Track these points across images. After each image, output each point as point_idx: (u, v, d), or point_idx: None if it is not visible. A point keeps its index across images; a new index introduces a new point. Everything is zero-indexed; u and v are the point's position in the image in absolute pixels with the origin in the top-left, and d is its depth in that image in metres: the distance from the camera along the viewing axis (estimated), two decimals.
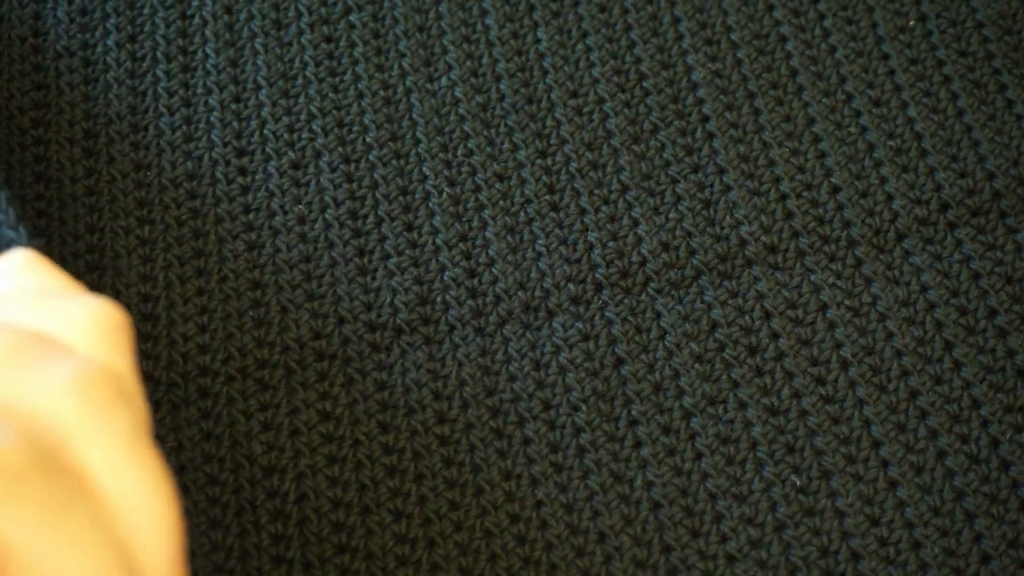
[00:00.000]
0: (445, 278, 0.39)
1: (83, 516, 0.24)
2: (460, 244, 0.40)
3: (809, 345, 0.38)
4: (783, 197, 0.40)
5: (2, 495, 0.23)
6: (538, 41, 0.43)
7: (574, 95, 0.42)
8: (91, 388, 0.25)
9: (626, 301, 0.39)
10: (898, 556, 0.35)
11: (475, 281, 0.39)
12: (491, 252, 0.40)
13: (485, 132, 0.42)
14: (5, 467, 0.23)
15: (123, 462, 0.25)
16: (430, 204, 0.40)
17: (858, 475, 0.36)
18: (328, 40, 0.44)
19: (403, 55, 0.43)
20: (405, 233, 0.40)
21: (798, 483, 0.36)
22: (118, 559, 0.24)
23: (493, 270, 0.39)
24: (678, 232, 0.40)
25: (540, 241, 0.40)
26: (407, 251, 0.40)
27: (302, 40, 0.44)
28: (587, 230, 0.40)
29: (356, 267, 0.39)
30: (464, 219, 0.40)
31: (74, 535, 0.23)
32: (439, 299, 0.39)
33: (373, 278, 0.39)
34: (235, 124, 0.42)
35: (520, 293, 0.39)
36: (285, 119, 0.42)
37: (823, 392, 0.37)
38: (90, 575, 0.23)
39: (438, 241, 0.40)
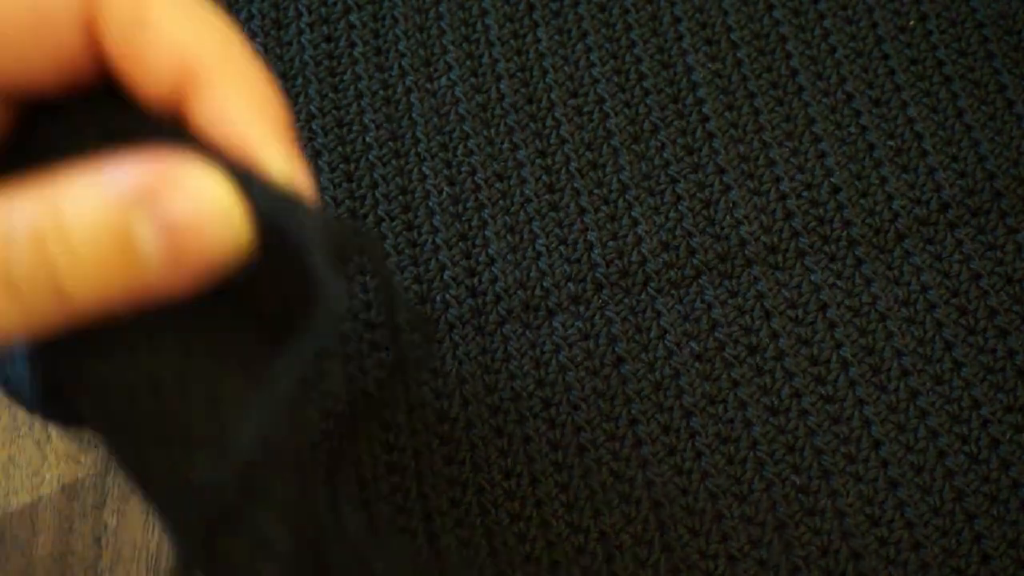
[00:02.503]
0: (445, 277, 0.39)
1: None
2: (460, 243, 0.40)
3: (809, 345, 0.38)
4: (783, 197, 0.40)
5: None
6: (538, 41, 0.43)
7: (574, 95, 0.42)
8: None
9: (626, 300, 0.39)
10: (898, 556, 0.35)
11: (475, 280, 0.39)
12: (491, 251, 0.39)
13: (485, 132, 0.41)
14: None
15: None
16: (430, 203, 0.40)
17: (858, 475, 0.36)
18: (328, 40, 0.44)
19: (403, 55, 0.43)
20: (405, 232, 0.40)
21: (798, 482, 0.36)
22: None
23: (493, 269, 0.39)
24: (678, 232, 0.40)
25: (540, 240, 0.40)
26: (407, 250, 0.40)
27: (302, 40, 0.44)
28: (587, 229, 0.40)
29: (355, 266, 0.39)
30: (464, 218, 0.40)
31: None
32: (439, 298, 0.39)
33: (372, 277, 0.39)
34: None
35: (520, 292, 0.39)
36: None
37: (823, 392, 0.37)
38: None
39: (438, 240, 0.40)
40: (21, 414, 0.41)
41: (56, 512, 0.39)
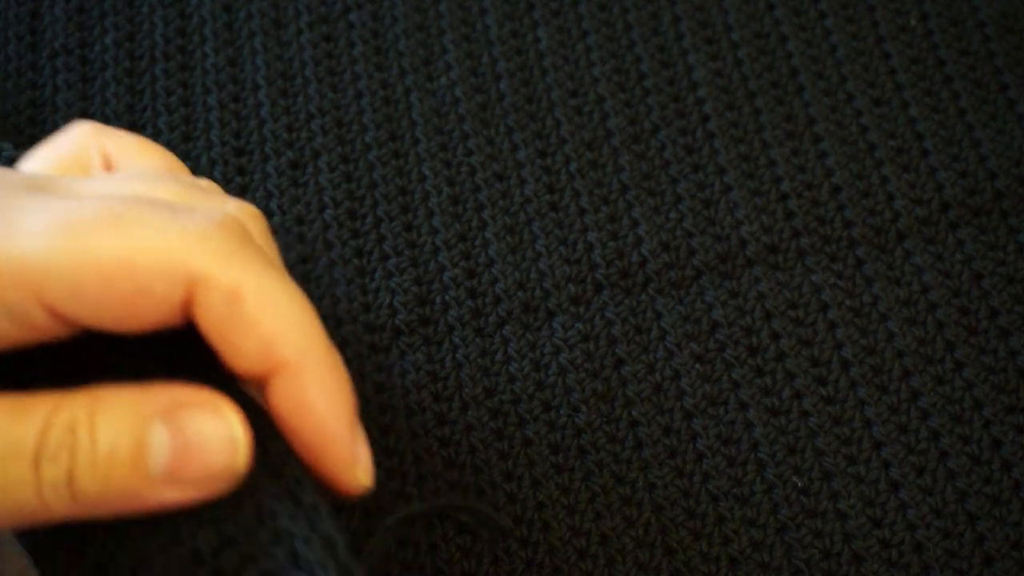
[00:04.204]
0: (444, 278, 0.39)
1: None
2: (459, 244, 0.40)
3: (810, 346, 0.38)
4: (783, 197, 0.40)
5: (231, 249, 0.26)
6: (538, 41, 0.43)
7: (574, 95, 0.42)
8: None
9: (626, 301, 0.39)
10: (900, 558, 0.35)
11: (474, 281, 0.39)
12: (490, 252, 0.39)
13: (485, 132, 0.41)
14: (231, 229, 0.26)
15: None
16: (429, 204, 0.40)
17: (860, 476, 0.36)
18: (327, 40, 0.43)
19: (403, 55, 0.43)
20: (404, 233, 0.40)
21: (799, 484, 0.36)
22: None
23: (492, 270, 0.39)
24: (678, 232, 0.40)
25: (540, 241, 0.39)
26: (406, 251, 0.39)
27: (301, 40, 0.43)
28: (587, 230, 0.40)
29: (355, 268, 0.39)
30: (463, 219, 0.40)
31: (288, 284, 0.27)
32: (438, 300, 0.39)
33: (372, 279, 0.39)
34: (234, 123, 0.42)
35: (520, 293, 0.39)
36: (284, 119, 0.42)
37: (824, 393, 0.37)
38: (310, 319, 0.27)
39: (437, 241, 0.40)
40: None
41: None
